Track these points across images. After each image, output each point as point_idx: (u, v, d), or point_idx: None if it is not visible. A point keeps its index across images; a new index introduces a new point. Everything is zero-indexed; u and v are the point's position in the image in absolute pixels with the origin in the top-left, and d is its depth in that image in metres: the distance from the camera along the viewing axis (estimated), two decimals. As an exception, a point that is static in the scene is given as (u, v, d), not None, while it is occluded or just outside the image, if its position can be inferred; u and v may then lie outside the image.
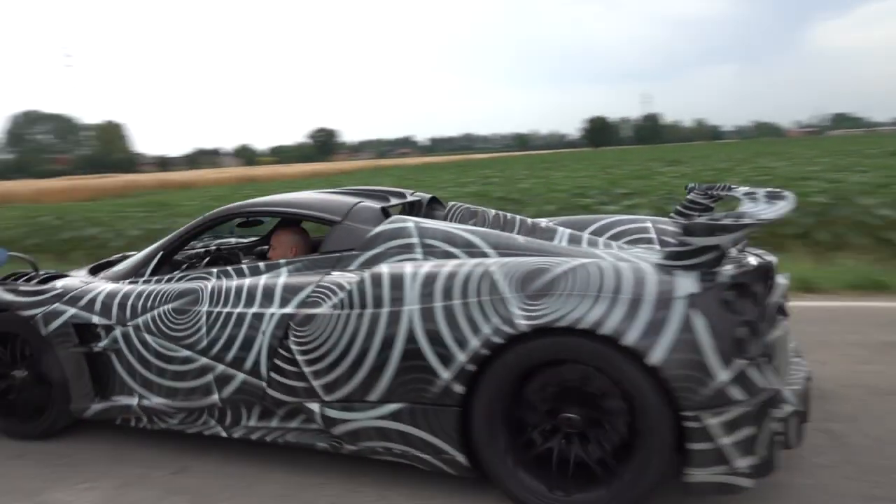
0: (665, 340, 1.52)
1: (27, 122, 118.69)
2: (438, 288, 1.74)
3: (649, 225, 2.48)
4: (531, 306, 1.63)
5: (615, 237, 2.37)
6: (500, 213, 2.53)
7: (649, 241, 2.38)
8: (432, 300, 1.73)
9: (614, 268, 1.63)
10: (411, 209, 2.59)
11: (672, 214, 2.57)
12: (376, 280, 1.83)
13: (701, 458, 1.54)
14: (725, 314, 1.53)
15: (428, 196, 2.74)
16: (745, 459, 1.53)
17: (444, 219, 2.53)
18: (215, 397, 2.18)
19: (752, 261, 1.84)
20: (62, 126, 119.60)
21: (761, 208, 1.70)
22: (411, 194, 2.70)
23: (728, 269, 1.63)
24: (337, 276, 1.98)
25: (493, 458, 1.75)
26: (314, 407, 1.96)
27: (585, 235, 2.24)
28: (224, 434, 2.27)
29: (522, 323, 1.63)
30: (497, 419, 1.72)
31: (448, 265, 1.79)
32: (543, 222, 2.47)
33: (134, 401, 2.36)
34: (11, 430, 2.63)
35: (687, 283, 1.56)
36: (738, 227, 1.52)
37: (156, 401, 2.32)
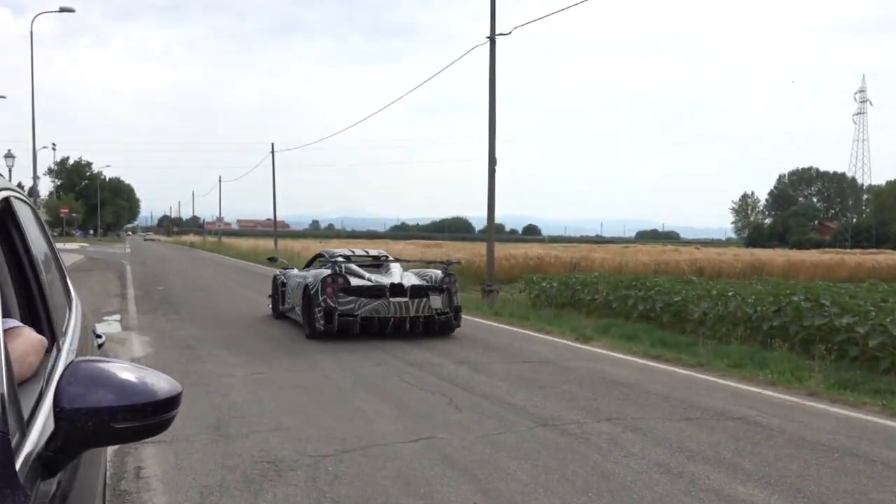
0: (319, 286, 11.25)
1: (796, 182, 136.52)
2: (305, 276, 12.37)
3: (431, 272, 12.26)
4: (307, 279, 12.04)
5: (413, 268, 13.19)
6: (390, 261, 13.01)
7: (426, 277, 12.13)
8: (305, 279, 12.06)
9: (317, 273, 11.98)
10: (376, 258, 13.38)
11: (444, 266, 12.46)
12: (303, 274, 12.90)
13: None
14: (328, 284, 11.11)
15: (384, 253, 13.88)
16: (325, 325, 11.12)
17: (380, 266, 12.75)
18: (291, 306, 12.99)
19: (354, 272, 11.94)
20: (834, 187, 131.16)
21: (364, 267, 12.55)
22: (378, 252, 13.83)
23: (337, 272, 11.48)
24: (307, 272, 12.97)
25: (307, 323, 11.75)
26: (297, 309, 12.50)
27: (391, 266, 12.71)
28: (293, 317, 12.96)
29: (304, 283, 11.97)
30: (305, 312, 11.73)
31: (315, 271, 12.33)
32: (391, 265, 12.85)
33: (286, 307, 13.33)
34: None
35: (321, 275, 11.44)
36: (338, 262, 11.84)
37: (286, 307, 13.34)
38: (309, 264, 14.11)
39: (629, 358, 10.23)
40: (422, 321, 11.46)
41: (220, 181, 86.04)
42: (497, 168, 19.43)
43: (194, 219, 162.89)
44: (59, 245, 36.02)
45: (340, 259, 12.32)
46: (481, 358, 9.89)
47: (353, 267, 12.16)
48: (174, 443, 5.62)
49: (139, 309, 15.22)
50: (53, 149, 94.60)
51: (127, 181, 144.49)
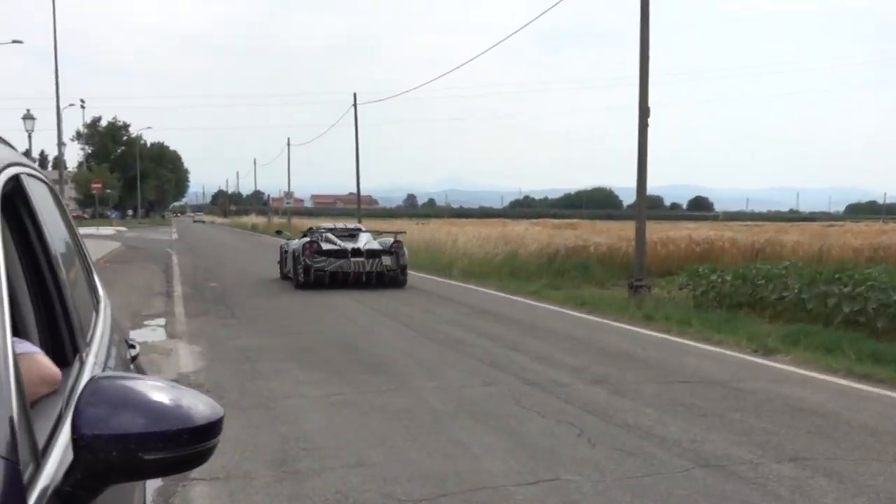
0: (300, 250, 21.60)
1: None
2: (296, 244, 22.72)
3: (387, 240, 22.80)
4: (296, 246, 22.88)
5: (376, 237, 23.98)
6: (361, 231, 23.68)
7: (382, 243, 22.38)
8: (293, 247, 22.92)
9: (302, 241, 22.60)
10: (352, 230, 23.88)
11: (394, 235, 23.95)
12: (296, 243, 22.77)
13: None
14: (306, 248, 21.19)
15: (360, 226, 25.38)
16: (304, 278, 21.14)
17: (354, 236, 22.96)
18: (289, 268, 22.96)
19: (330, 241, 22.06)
20: None
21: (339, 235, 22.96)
22: (354, 226, 24.89)
23: (313, 240, 22.20)
24: (298, 241, 23.25)
25: (294, 278, 22.32)
26: (290, 269, 22.90)
27: (360, 235, 23.14)
28: (290, 276, 22.88)
29: (289, 248, 23.68)
30: (293, 270, 22.17)
31: (302, 240, 22.85)
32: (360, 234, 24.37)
33: (286, 269, 23.38)
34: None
35: (303, 242, 21.97)
36: (321, 235, 22.53)
37: (287, 269, 23.35)
38: (304, 236, 23.23)
39: (826, 378, 10.05)
40: (374, 275, 20.95)
41: (287, 145, 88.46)
42: (651, 121, 19.28)
43: (257, 194, 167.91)
44: (91, 230, 38.40)
45: (323, 230, 22.48)
46: (624, 376, 9.95)
47: (329, 236, 21.77)
48: (230, 480, 5.97)
49: (188, 311, 16.02)
50: (82, 107, 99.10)
51: (172, 147, 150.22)
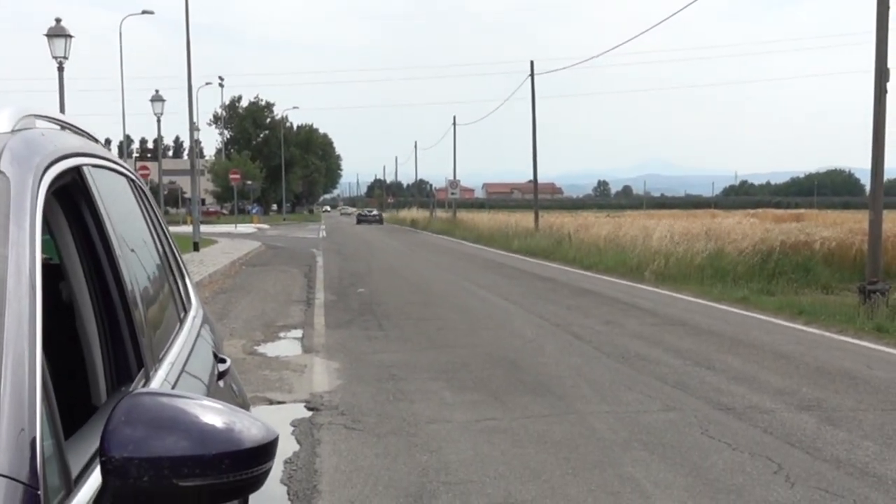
0: (357, 215, 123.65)
1: None
2: (355, 214, 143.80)
3: (378, 212, 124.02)
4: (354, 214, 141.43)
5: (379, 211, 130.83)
6: (374, 210, 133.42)
7: (377, 211, 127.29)
8: (355, 214, 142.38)
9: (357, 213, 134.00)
10: (371, 209, 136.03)
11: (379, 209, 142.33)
12: (356, 212, 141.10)
13: None
14: (359, 214, 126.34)
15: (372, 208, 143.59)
16: (356, 222, 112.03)
17: (372, 211, 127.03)
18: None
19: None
20: None
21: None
22: (371, 208, 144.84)
23: (361, 211, 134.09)
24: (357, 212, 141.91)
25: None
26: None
27: (374, 211, 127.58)
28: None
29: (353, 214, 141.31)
30: (358, 220, 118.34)
31: (358, 212, 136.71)
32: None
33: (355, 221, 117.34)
34: None
35: (357, 213, 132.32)
36: (363, 210, 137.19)
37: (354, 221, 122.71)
38: (359, 212, 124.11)
39: None
40: (372, 221, 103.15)
41: (453, 124, 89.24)
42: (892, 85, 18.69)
43: (419, 184, 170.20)
44: (227, 228, 41.61)
45: (364, 210, 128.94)
46: (841, 401, 9.74)
47: (364, 212, 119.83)
48: (356, 516, 6.20)
49: (329, 322, 16.55)
50: (221, 85, 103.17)
51: (322, 130, 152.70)
